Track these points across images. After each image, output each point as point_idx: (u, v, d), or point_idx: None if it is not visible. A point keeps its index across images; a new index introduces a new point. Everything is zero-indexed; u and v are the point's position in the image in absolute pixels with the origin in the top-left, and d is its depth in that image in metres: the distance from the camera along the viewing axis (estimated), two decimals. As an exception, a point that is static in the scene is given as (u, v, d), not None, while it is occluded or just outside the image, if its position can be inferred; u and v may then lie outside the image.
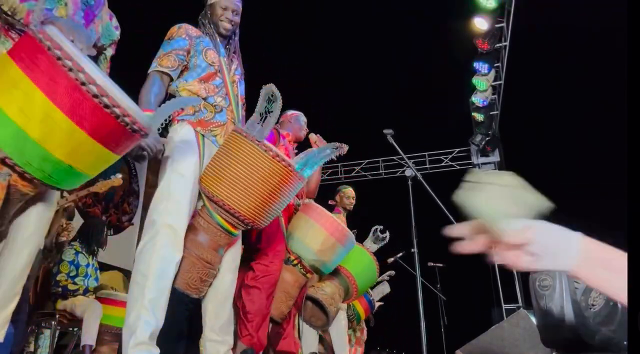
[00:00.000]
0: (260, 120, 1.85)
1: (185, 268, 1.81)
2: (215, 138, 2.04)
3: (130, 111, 1.34)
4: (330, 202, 4.05)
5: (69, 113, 1.24)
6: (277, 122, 2.80)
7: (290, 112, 3.15)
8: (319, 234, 2.54)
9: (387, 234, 3.62)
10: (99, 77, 1.28)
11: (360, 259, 3.16)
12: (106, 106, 1.28)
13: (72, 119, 1.25)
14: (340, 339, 3.24)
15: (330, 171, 9.65)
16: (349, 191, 4.00)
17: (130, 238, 7.04)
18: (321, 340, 3.32)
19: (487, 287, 7.87)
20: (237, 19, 2.23)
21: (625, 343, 1.84)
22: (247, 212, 1.77)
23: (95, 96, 1.26)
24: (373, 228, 3.72)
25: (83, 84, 1.24)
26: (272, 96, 1.86)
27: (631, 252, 0.54)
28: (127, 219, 7.19)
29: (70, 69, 1.23)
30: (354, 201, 3.99)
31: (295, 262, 2.53)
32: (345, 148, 2.09)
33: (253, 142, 1.78)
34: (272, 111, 1.85)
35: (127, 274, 4.88)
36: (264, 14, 6.65)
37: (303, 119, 3.14)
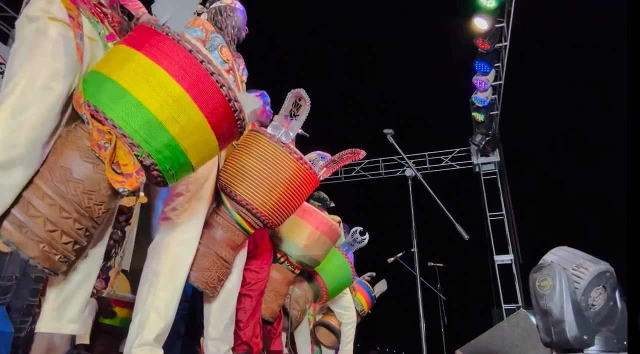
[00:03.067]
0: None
1: (205, 266, 1.79)
2: None
3: (244, 105, 1.37)
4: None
5: (202, 107, 1.27)
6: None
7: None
8: (304, 229, 2.53)
9: (367, 236, 3.59)
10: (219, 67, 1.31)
11: (333, 262, 3.12)
12: (230, 100, 1.31)
13: (203, 111, 1.27)
14: (304, 341, 3.25)
15: (330, 170, 9.63)
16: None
17: (127, 238, 7.01)
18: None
19: (487, 287, 7.87)
20: None
21: (625, 343, 1.84)
22: (268, 212, 1.80)
23: (222, 86, 1.29)
24: (352, 230, 3.70)
25: (212, 74, 1.27)
26: (299, 100, 1.87)
27: (631, 252, 0.52)
28: (124, 218, 7.15)
29: (202, 61, 1.26)
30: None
31: (282, 260, 2.53)
32: (362, 154, 2.08)
33: (278, 144, 1.81)
34: (298, 115, 1.87)
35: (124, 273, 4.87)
36: (264, 12, 6.64)
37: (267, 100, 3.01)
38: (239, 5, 2.26)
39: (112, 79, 1.24)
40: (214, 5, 2.23)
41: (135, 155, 1.23)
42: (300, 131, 2.93)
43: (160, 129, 1.23)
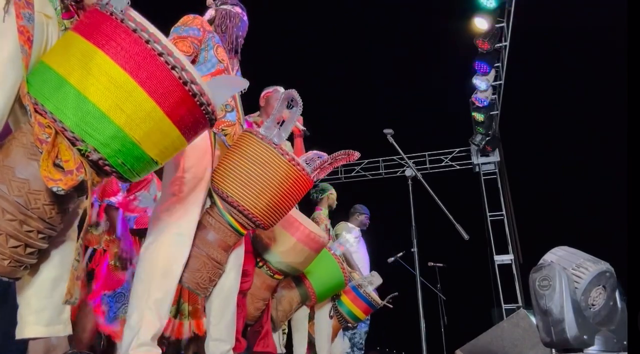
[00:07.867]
0: (278, 123, 1.87)
1: (196, 267, 1.81)
2: (225, 138, 2.04)
3: (206, 89, 1.23)
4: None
5: (152, 92, 1.14)
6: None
7: (268, 90, 2.95)
8: (286, 239, 2.54)
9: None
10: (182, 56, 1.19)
11: (321, 263, 3.09)
12: (185, 82, 1.18)
13: (153, 96, 1.15)
14: (299, 342, 3.27)
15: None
16: (334, 194, 4.36)
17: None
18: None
19: (487, 287, 7.87)
20: None
21: (625, 342, 1.85)
22: (260, 213, 1.80)
23: (174, 68, 1.16)
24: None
25: (161, 54, 1.15)
26: (291, 101, 1.88)
27: (631, 252, 0.52)
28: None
29: (148, 41, 1.14)
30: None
31: (260, 264, 2.54)
32: (355, 155, 2.08)
33: (270, 145, 1.81)
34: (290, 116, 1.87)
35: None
36: (263, 11, 6.64)
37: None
38: (245, 18, 2.32)
39: (51, 67, 1.15)
40: (223, 7, 2.26)
41: (79, 149, 1.12)
42: (303, 128, 2.95)
43: (103, 120, 1.11)
